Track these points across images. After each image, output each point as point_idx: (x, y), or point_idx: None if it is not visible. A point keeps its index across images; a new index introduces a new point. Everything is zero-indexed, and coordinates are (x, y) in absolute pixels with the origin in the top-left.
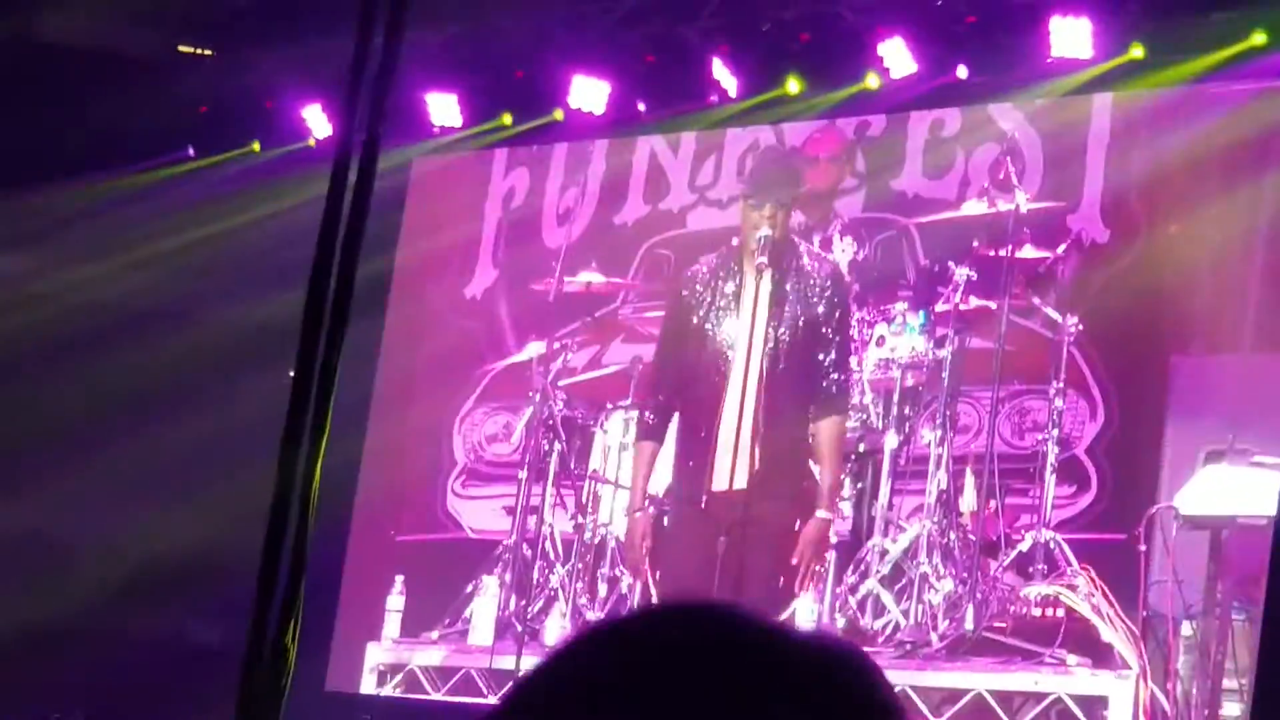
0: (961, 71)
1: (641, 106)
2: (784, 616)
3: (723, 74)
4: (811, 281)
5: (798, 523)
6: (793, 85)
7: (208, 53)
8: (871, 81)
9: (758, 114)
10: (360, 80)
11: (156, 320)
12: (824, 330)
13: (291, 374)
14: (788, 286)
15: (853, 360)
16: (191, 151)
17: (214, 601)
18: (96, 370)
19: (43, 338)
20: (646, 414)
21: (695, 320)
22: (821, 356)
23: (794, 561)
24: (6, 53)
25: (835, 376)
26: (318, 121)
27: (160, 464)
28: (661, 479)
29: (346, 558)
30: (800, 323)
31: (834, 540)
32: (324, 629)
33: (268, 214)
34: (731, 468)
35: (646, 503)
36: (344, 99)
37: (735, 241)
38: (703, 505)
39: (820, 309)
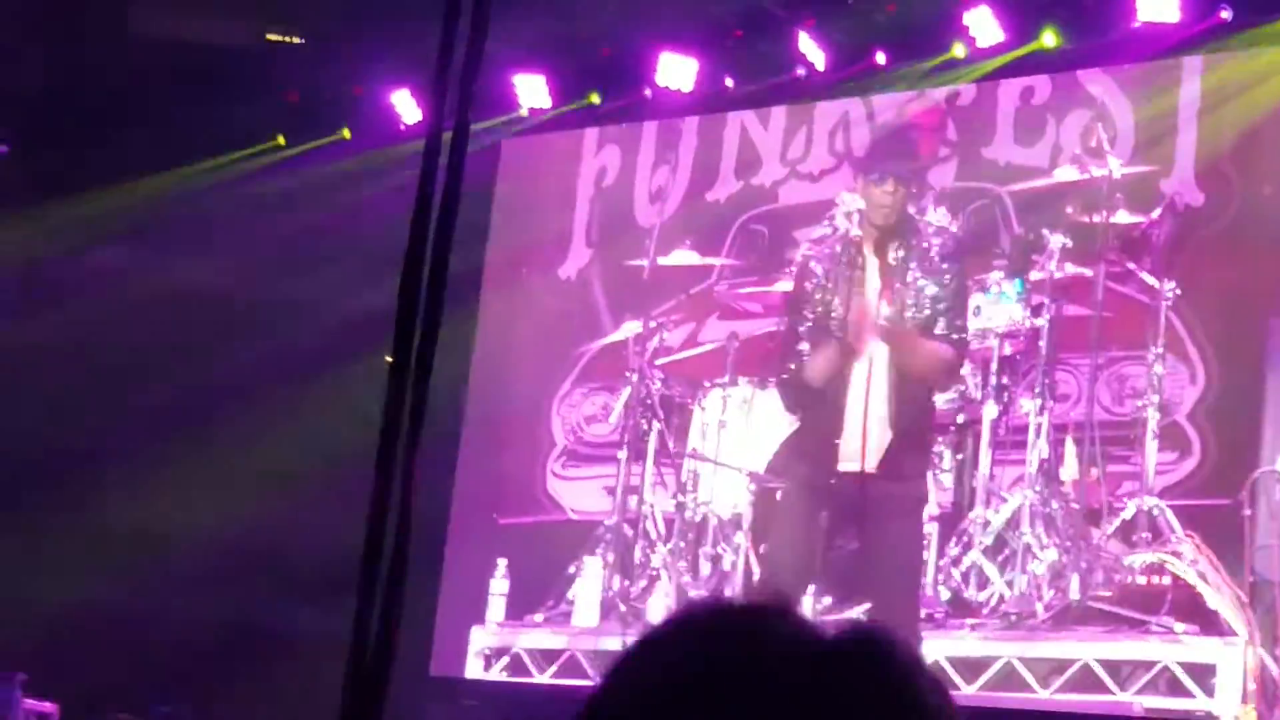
0: (1048, 38)
1: (729, 82)
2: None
3: (809, 47)
4: (933, 256)
5: (926, 500)
6: (880, 57)
7: (297, 40)
8: (959, 51)
9: (846, 86)
10: (448, 65)
11: (251, 310)
12: (944, 304)
13: (388, 359)
14: (911, 264)
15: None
16: (282, 140)
17: (316, 590)
18: (191, 360)
19: (139, 328)
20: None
21: (818, 300)
22: (941, 330)
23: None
24: (98, 48)
25: (961, 340)
26: (407, 107)
27: (259, 454)
28: (764, 457)
29: (448, 541)
30: (924, 299)
31: (936, 512)
32: (427, 613)
33: (360, 201)
34: (862, 450)
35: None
36: (432, 84)
37: (846, 219)
38: (830, 484)
39: (942, 283)
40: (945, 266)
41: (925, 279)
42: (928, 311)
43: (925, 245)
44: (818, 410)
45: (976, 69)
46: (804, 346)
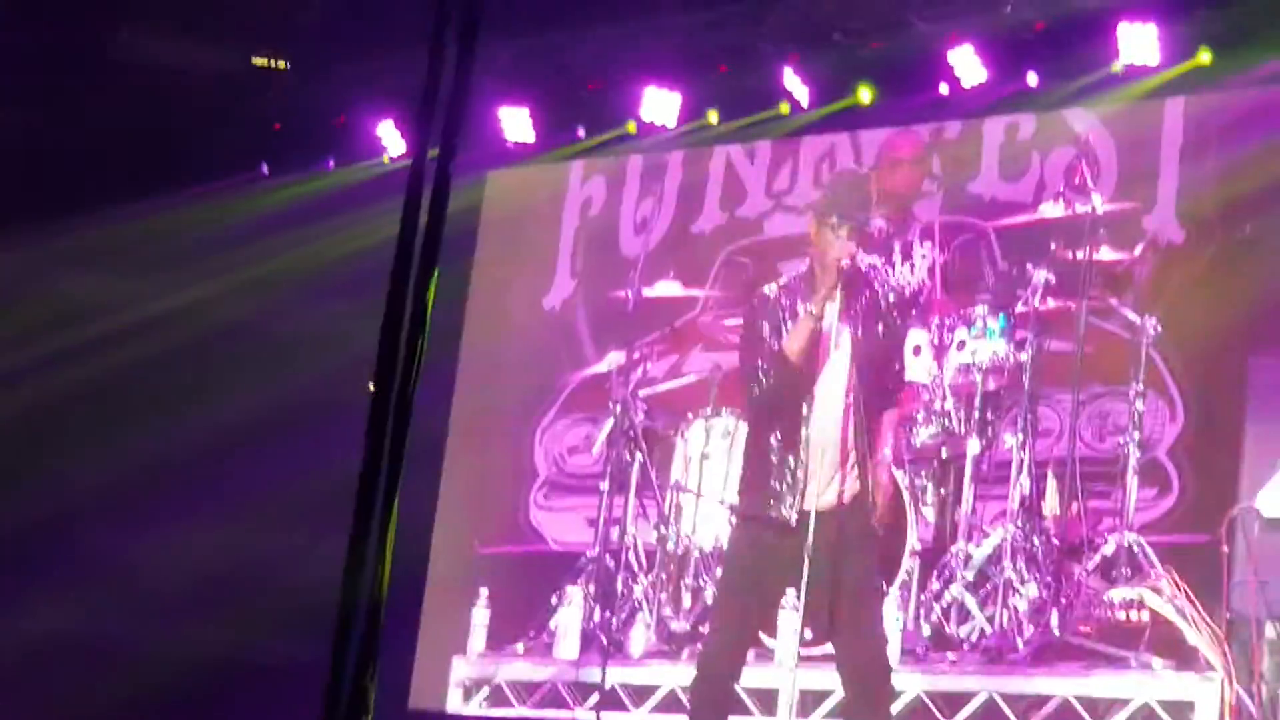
0: (1031, 79)
1: (714, 117)
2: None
3: (794, 83)
4: (880, 303)
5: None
6: (864, 94)
7: (282, 65)
8: (942, 89)
9: (831, 123)
10: (434, 97)
11: (232, 340)
12: (890, 350)
13: (371, 385)
14: (859, 310)
15: (916, 371)
16: (265, 169)
17: (295, 623)
18: (171, 389)
19: (117, 357)
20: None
21: (773, 345)
22: (889, 378)
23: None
24: (82, 71)
25: (894, 394)
26: (391, 138)
27: (239, 485)
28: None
29: (429, 571)
30: (874, 344)
31: (918, 547)
32: (407, 643)
33: (343, 231)
34: (821, 489)
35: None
36: (418, 116)
37: (806, 265)
38: (793, 524)
39: (888, 331)
40: (892, 311)
41: (876, 323)
42: (879, 353)
43: (876, 290)
44: (777, 451)
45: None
46: (762, 376)
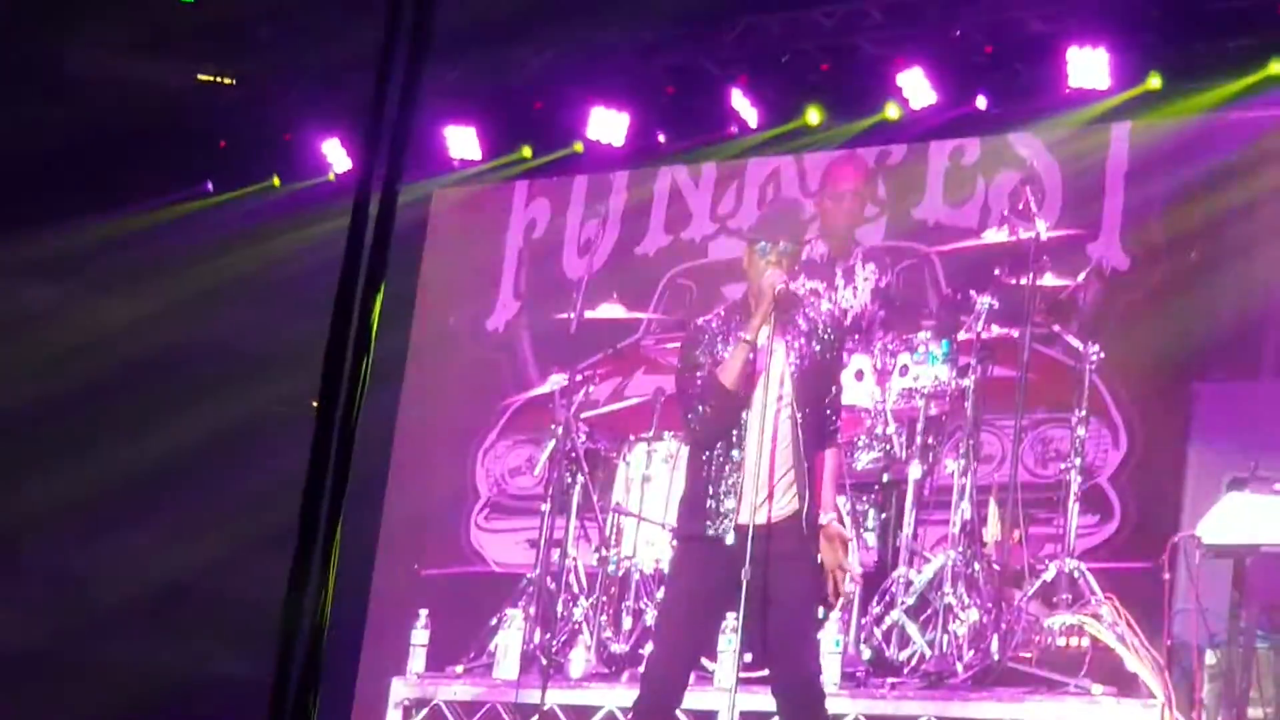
0: (980, 102)
1: (661, 138)
2: (810, 644)
3: (742, 105)
4: (817, 327)
5: (820, 556)
6: (813, 116)
7: (229, 81)
8: (891, 112)
9: (778, 144)
10: (381, 115)
11: (180, 355)
12: (827, 372)
13: (314, 404)
14: (794, 333)
15: (858, 395)
16: (210, 186)
17: (242, 635)
18: (119, 403)
19: (66, 371)
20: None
21: (709, 373)
22: (827, 399)
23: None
24: (32, 85)
25: (832, 417)
26: (337, 156)
27: (185, 498)
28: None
29: (371, 592)
30: (810, 365)
31: (858, 571)
32: (350, 664)
33: (289, 248)
34: (755, 509)
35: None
36: (365, 134)
37: (742, 293)
38: (728, 544)
39: (824, 353)
40: (825, 335)
41: (810, 347)
42: (812, 377)
43: (809, 315)
44: (714, 471)
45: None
46: (698, 406)
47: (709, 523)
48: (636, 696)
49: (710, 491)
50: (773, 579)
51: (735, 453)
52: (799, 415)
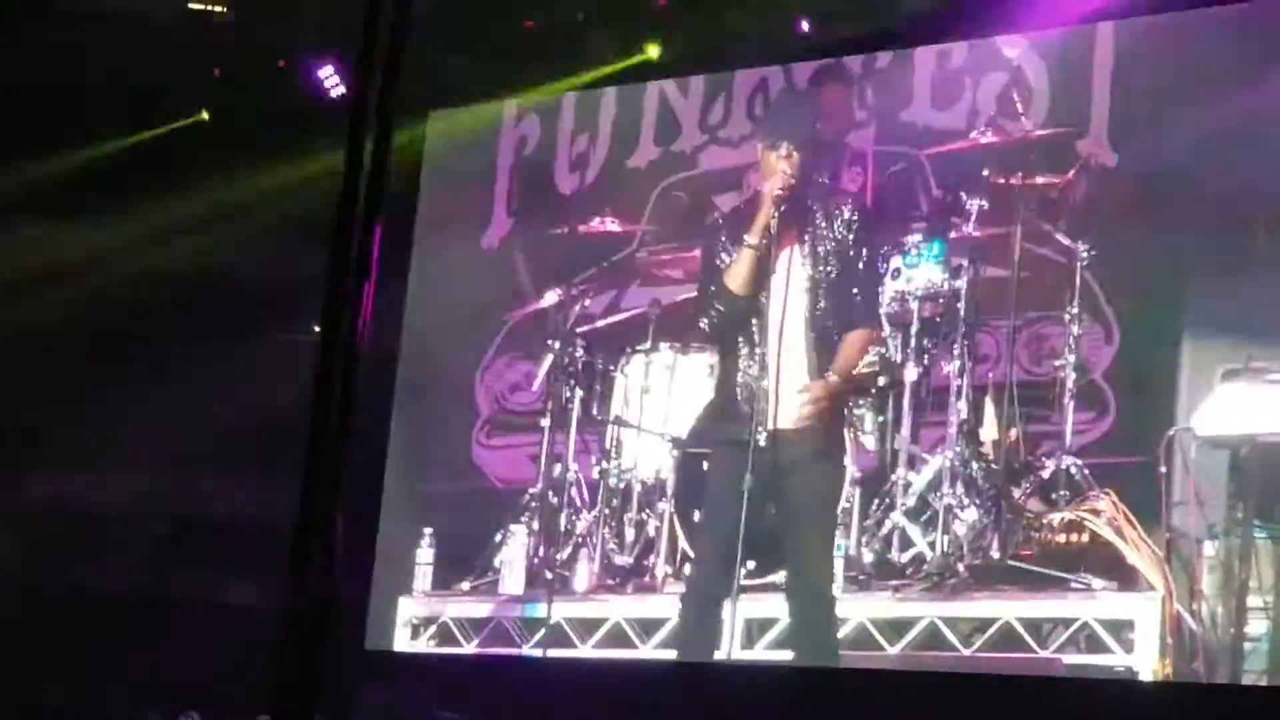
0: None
1: (655, 52)
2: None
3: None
4: (835, 215)
5: (844, 460)
6: (803, 24)
7: (219, 10)
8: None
9: (766, 54)
10: (375, 40)
11: (176, 282)
12: (852, 262)
13: (316, 329)
14: (809, 227)
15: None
16: (205, 115)
17: (246, 562)
18: (114, 330)
19: (58, 300)
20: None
21: (724, 268)
22: (855, 290)
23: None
24: (19, 18)
25: (859, 300)
26: (332, 81)
27: (184, 426)
28: (688, 422)
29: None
30: (830, 259)
31: (859, 475)
32: (359, 585)
33: (287, 175)
34: (775, 413)
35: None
36: (359, 60)
37: (749, 194)
38: (749, 449)
39: (846, 241)
40: (848, 224)
41: (829, 240)
42: (835, 270)
43: (826, 206)
44: (733, 377)
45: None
46: (710, 308)
47: (734, 428)
48: (682, 600)
49: (736, 398)
50: (790, 485)
51: (756, 357)
52: (819, 320)
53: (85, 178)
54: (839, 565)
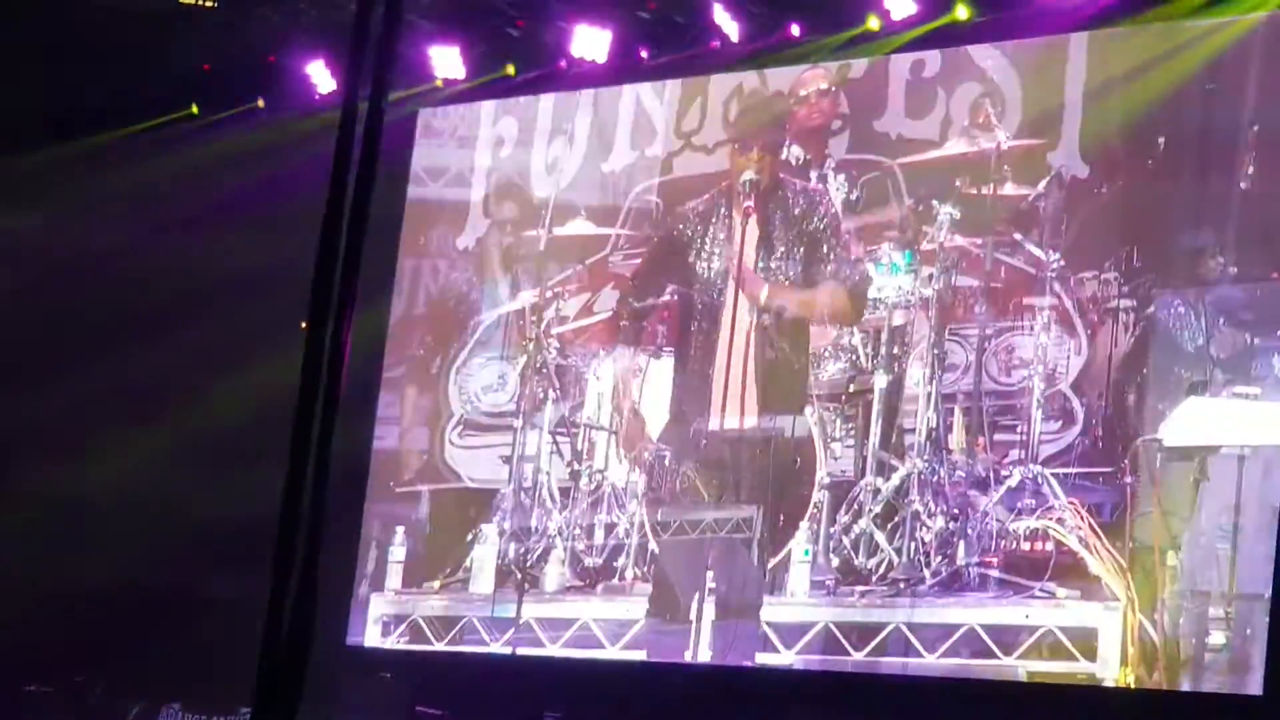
0: (961, 12)
1: (644, 54)
2: (781, 556)
3: (724, 19)
4: (802, 214)
5: (796, 460)
6: (795, 29)
7: (210, 4)
8: (873, 24)
9: (755, 59)
10: (365, 36)
11: (169, 278)
12: (822, 253)
13: (304, 325)
14: (776, 226)
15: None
16: (196, 109)
17: (233, 555)
18: (108, 326)
19: (55, 296)
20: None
21: (689, 258)
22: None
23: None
24: (8, 11)
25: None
26: (322, 77)
27: (176, 420)
28: (658, 425)
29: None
30: (795, 257)
31: (826, 481)
32: (340, 582)
33: (274, 171)
34: (723, 407)
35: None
36: (349, 56)
37: (723, 188)
38: (702, 445)
39: (815, 237)
40: (815, 219)
41: (796, 239)
42: (802, 267)
43: (792, 207)
44: (691, 372)
45: (890, 42)
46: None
47: (687, 427)
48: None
49: (687, 398)
50: (749, 483)
51: (715, 355)
52: (769, 322)
53: (76, 172)
54: (805, 570)
